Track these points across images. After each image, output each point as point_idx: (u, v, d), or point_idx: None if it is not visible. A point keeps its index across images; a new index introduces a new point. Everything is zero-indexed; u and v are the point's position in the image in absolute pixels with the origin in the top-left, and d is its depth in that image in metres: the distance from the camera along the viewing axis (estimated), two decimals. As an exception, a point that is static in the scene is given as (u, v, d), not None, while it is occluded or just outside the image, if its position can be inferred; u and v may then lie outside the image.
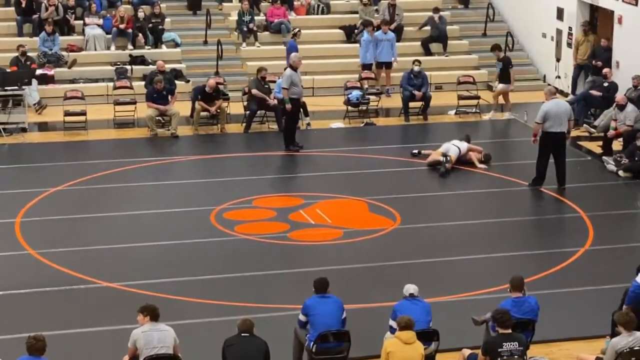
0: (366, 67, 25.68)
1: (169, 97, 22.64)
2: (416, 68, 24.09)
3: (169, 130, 22.38)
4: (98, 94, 24.59)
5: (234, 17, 27.41)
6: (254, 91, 22.60)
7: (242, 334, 10.81)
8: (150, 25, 26.53)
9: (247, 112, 22.78)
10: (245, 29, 26.78)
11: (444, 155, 19.97)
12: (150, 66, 25.17)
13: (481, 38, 28.59)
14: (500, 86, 24.38)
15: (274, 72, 24.00)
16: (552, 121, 18.43)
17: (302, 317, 11.78)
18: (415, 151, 20.82)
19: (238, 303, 13.81)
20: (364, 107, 24.16)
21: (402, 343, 10.75)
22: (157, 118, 22.61)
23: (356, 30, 27.19)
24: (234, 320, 11.21)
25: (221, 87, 23.73)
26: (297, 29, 25.92)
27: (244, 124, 22.84)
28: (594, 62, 24.43)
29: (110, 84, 24.74)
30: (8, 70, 23.62)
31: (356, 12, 27.91)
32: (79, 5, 26.65)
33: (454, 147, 20.15)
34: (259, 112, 22.85)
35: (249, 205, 18.01)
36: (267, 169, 20.47)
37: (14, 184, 19.01)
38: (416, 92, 23.82)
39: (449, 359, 11.96)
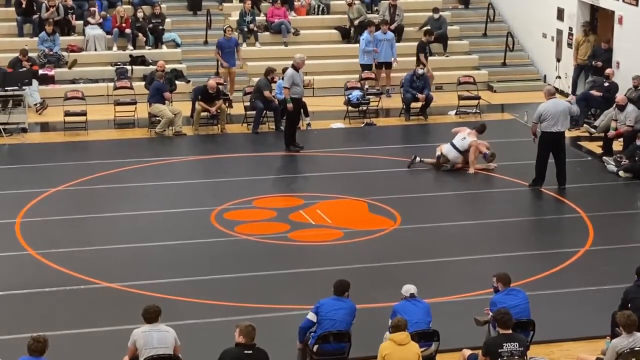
0: (365, 67, 25.66)
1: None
2: (420, 71, 24.05)
3: (172, 129, 22.38)
4: (98, 94, 24.59)
5: (234, 17, 27.41)
6: (266, 93, 22.53)
7: (246, 351, 10.38)
8: (151, 25, 26.51)
9: (255, 111, 22.65)
10: (245, 29, 26.78)
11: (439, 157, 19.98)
12: (151, 66, 25.16)
13: (481, 38, 28.60)
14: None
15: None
16: (550, 121, 18.44)
17: (310, 316, 11.71)
18: (418, 159, 20.23)
19: (238, 304, 13.80)
20: (364, 108, 24.17)
21: (396, 345, 10.77)
22: (157, 118, 22.59)
23: (352, 31, 27.17)
24: (234, 320, 11.18)
25: (221, 87, 23.71)
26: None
27: (247, 124, 22.82)
28: (594, 62, 24.43)
29: (111, 84, 24.72)
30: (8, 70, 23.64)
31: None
32: (79, 7, 26.66)
33: (453, 152, 20.05)
34: (258, 112, 22.86)
35: (249, 206, 18.00)
36: (268, 170, 20.46)
37: (14, 184, 19.00)
38: (419, 95, 23.81)
39: None
